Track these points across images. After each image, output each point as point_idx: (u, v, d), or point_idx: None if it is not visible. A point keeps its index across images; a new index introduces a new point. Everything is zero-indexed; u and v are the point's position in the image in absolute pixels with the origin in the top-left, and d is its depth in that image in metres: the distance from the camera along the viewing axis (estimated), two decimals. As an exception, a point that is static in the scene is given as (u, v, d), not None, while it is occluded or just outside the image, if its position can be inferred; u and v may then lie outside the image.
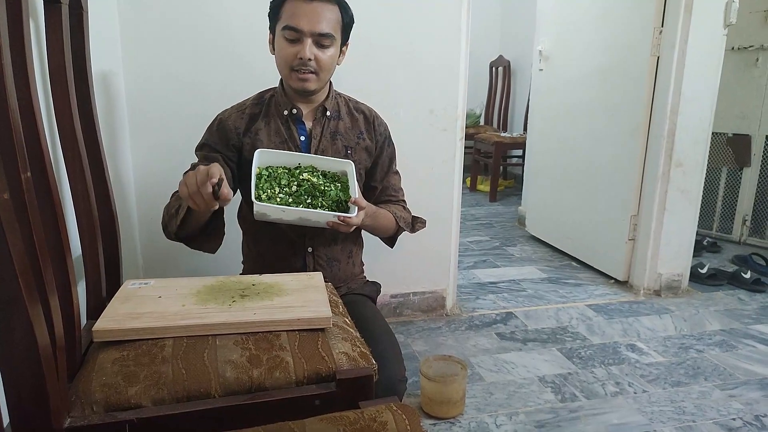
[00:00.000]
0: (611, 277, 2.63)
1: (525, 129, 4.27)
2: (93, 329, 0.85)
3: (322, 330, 0.94)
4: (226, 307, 0.94)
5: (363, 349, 0.93)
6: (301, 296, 1.01)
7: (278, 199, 1.18)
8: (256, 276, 1.09)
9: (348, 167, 1.25)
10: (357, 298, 1.36)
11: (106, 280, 1.04)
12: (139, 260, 1.81)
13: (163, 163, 1.76)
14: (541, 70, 3.13)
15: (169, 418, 0.77)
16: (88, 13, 1.02)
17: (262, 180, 1.20)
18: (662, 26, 2.28)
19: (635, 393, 1.69)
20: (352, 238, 1.40)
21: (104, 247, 1.03)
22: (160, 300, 0.95)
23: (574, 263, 2.87)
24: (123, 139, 1.69)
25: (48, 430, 0.67)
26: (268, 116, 1.32)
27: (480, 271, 2.76)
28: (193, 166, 1.27)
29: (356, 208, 1.17)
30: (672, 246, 2.44)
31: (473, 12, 2.01)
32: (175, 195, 1.24)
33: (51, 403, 0.66)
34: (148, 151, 1.76)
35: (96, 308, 1.00)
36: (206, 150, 1.31)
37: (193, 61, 1.75)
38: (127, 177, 1.71)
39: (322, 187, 1.21)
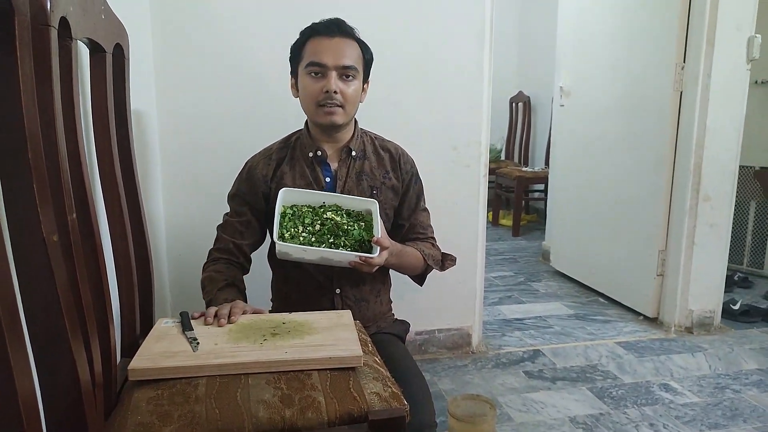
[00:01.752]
0: (640, 314, 2.57)
1: (546, 163, 4.27)
2: (129, 368, 0.86)
3: (353, 369, 0.94)
4: (258, 346, 0.95)
5: (394, 390, 0.93)
6: (331, 335, 1.01)
7: (301, 238, 1.19)
8: (285, 314, 1.10)
9: (372, 206, 1.25)
10: (386, 337, 1.34)
11: (140, 318, 1.06)
12: (168, 297, 1.83)
13: (193, 199, 1.80)
14: (562, 105, 3.15)
15: (202, 458, 0.77)
16: (129, 60, 1.07)
17: (286, 219, 1.21)
18: (684, 62, 2.29)
19: (671, 435, 1.64)
20: (380, 278, 1.40)
21: (139, 286, 1.05)
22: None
23: (601, 299, 2.83)
24: (155, 177, 1.74)
25: (86, 469, 0.68)
26: (293, 159, 1.34)
27: (505, 307, 2.72)
28: (225, 220, 1.35)
29: (378, 248, 1.17)
30: (702, 281, 2.39)
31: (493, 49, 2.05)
32: (205, 272, 1.29)
33: (90, 441, 0.67)
34: (179, 188, 1.81)
35: (130, 346, 1.01)
36: (237, 201, 1.34)
37: (223, 100, 1.80)
38: (157, 214, 1.75)
39: (345, 227, 1.22)
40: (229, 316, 1.05)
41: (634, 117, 2.56)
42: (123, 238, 0.99)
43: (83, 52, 0.99)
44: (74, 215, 0.71)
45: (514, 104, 5.06)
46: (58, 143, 0.68)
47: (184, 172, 1.81)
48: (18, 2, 0.56)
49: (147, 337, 0.97)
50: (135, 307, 1.03)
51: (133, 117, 1.47)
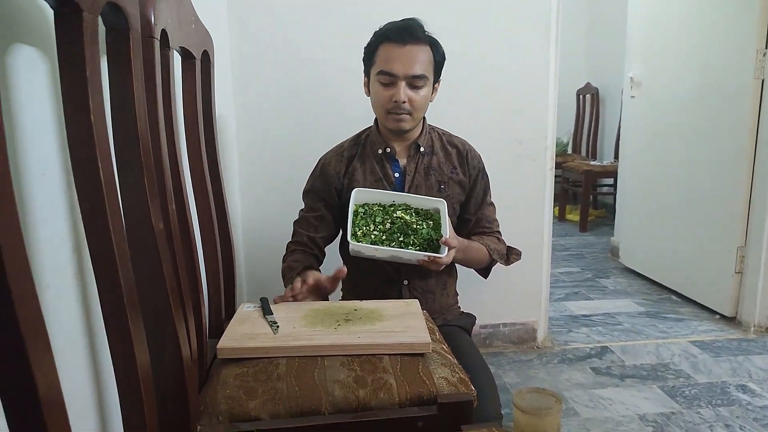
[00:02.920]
0: (716, 312, 2.47)
1: (615, 157, 4.14)
2: (218, 347, 0.94)
3: (422, 355, 0.98)
4: (332, 330, 1.01)
5: (462, 375, 0.96)
6: (401, 322, 1.05)
7: (372, 236, 1.25)
8: (357, 302, 1.16)
9: (441, 205, 1.28)
10: (453, 329, 1.38)
11: (225, 302, 1.15)
12: (243, 286, 1.94)
13: (267, 196, 1.91)
14: (633, 96, 3.05)
15: (284, 431, 0.84)
16: (214, 65, 1.16)
17: (359, 217, 1.27)
18: (766, 48, 2.17)
19: (749, 437, 1.58)
20: (447, 270, 1.43)
21: (223, 272, 1.14)
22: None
23: (674, 297, 2.73)
24: (233, 175, 1.85)
25: (185, 434, 0.75)
26: (363, 156, 1.40)
27: (572, 303, 2.68)
28: (300, 216, 1.43)
29: (446, 248, 1.21)
30: (786, 280, 2.27)
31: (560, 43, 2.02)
32: (285, 263, 1.38)
33: (190, 410, 0.74)
34: (255, 186, 1.92)
35: (216, 328, 1.10)
36: (312, 198, 1.42)
37: (294, 103, 1.90)
38: (235, 209, 1.86)
39: (414, 226, 1.26)
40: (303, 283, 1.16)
41: (711, 107, 2.46)
42: (210, 229, 1.08)
43: (176, 59, 1.09)
44: (173, 206, 0.79)
45: (581, 96, 4.93)
46: (161, 142, 0.76)
47: (258, 171, 1.92)
48: (132, 19, 0.64)
49: (232, 320, 1.05)
50: (220, 292, 1.12)
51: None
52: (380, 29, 1.31)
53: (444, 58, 1.36)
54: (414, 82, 1.27)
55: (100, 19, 0.59)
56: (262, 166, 1.92)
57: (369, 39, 1.33)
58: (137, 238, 0.66)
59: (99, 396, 0.75)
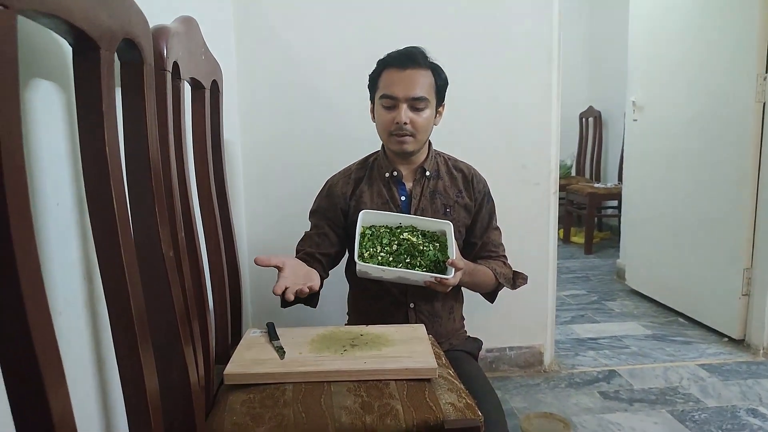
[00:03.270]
0: (724, 335, 2.45)
1: (619, 179, 4.15)
2: (225, 373, 0.95)
3: (429, 380, 0.98)
4: (339, 355, 1.01)
5: (468, 401, 0.96)
6: (407, 347, 1.06)
7: (380, 258, 1.26)
8: (363, 327, 1.16)
9: (447, 227, 1.30)
10: (459, 354, 1.38)
11: (231, 328, 1.15)
12: (249, 309, 1.95)
13: (272, 218, 1.92)
14: (635, 120, 3.07)
15: (291, 457, 0.84)
16: (223, 94, 1.19)
17: (366, 239, 1.28)
18: (766, 72, 2.19)
19: (761, 463, 1.55)
20: (453, 294, 1.43)
21: (230, 298, 1.15)
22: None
23: (681, 319, 2.71)
24: (238, 198, 1.87)
25: (193, 461, 0.76)
26: (371, 179, 1.42)
27: (578, 326, 2.67)
28: (305, 234, 1.43)
29: (453, 269, 1.22)
30: (794, 302, 2.25)
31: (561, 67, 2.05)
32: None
33: (197, 436, 0.75)
34: (259, 208, 1.94)
35: (223, 353, 1.10)
36: (317, 217, 1.43)
37: (299, 128, 1.92)
38: (240, 232, 1.88)
39: (421, 247, 1.27)
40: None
41: (713, 130, 2.47)
42: (218, 255, 1.09)
43: (186, 89, 1.11)
44: (182, 234, 0.80)
45: (584, 119, 4.97)
46: (171, 171, 0.77)
47: (263, 194, 1.94)
48: (146, 54, 0.66)
49: (238, 346, 1.06)
50: (227, 318, 1.12)
51: (222, 144, 1.61)
52: (383, 57, 1.35)
53: (446, 83, 1.39)
54: (415, 104, 1.30)
55: (115, 54, 0.62)
56: (267, 190, 1.94)
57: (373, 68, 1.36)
58: (148, 266, 0.67)
59: (108, 422, 0.75)
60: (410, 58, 1.31)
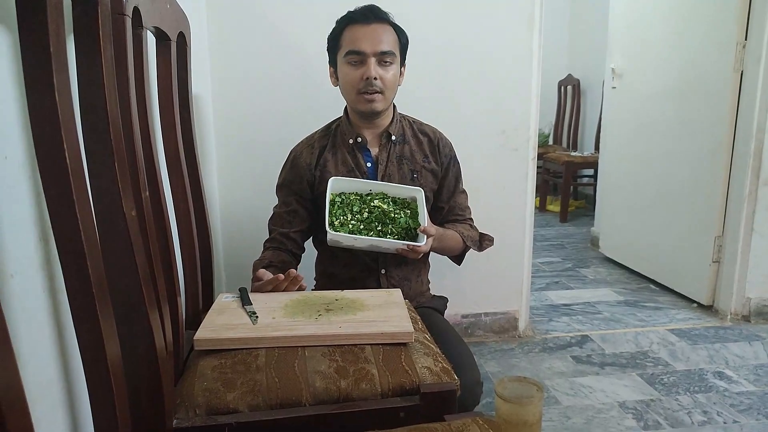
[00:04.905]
0: (694, 301, 2.50)
1: (596, 148, 4.17)
2: (195, 338, 0.92)
3: (405, 345, 0.97)
4: (313, 320, 0.99)
5: (445, 365, 0.95)
6: (383, 312, 1.04)
7: (350, 226, 1.23)
8: (338, 292, 1.14)
9: (418, 194, 1.28)
10: (426, 311, 1.38)
11: (202, 293, 1.12)
12: (222, 274, 1.91)
13: (245, 181, 1.87)
14: (614, 87, 3.06)
15: (263, 423, 0.82)
16: (191, 47, 1.12)
17: (335, 207, 1.25)
18: (746, 40, 2.19)
19: (725, 423, 1.60)
20: (422, 259, 1.43)
21: (201, 262, 1.11)
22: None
23: (652, 286, 2.76)
24: (210, 159, 1.81)
25: (161, 429, 0.73)
26: (334, 146, 1.38)
27: (552, 292, 2.70)
28: (273, 212, 1.39)
29: (424, 236, 1.21)
30: (761, 269, 2.30)
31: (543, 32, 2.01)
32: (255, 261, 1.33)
33: (165, 404, 0.72)
34: (232, 169, 1.88)
35: (193, 319, 1.07)
36: (284, 192, 1.39)
37: (273, 86, 1.85)
38: (212, 194, 1.82)
39: (392, 215, 1.25)
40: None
41: (690, 99, 2.47)
42: (186, 216, 1.05)
43: (150, 40, 1.04)
44: (147, 193, 0.76)
45: (562, 87, 4.95)
46: (133, 125, 0.72)
47: (237, 153, 1.88)
48: (100, -7, 0.60)
49: (209, 311, 1.02)
50: (197, 281, 1.09)
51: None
52: (342, 16, 1.31)
53: (408, 42, 1.35)
54: (383, 58, 1.26)
55: (65, -8, 0.56)
56: (240, 148, 1.87)
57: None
58: (108, 226, 0.63)
59: (69, 391, 0.72)
60: (374, 13, 1.27)
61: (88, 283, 0.56)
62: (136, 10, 0.75)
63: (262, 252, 1.36)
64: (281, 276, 1.10)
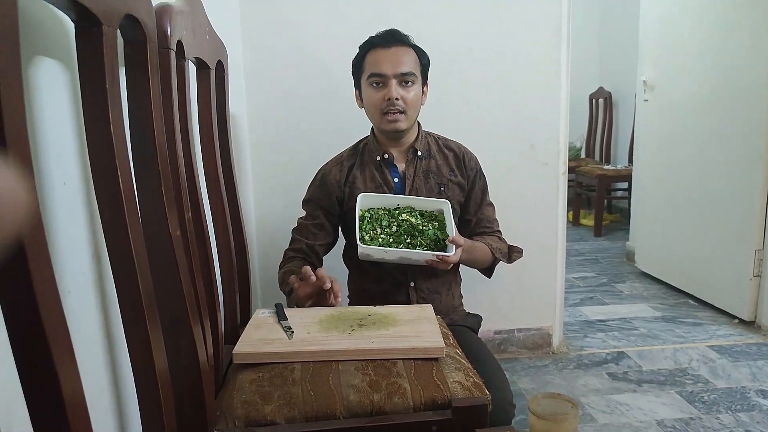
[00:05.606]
0: (735, 317, 2.44)
1: (629, 161, 4.11)
2: (234, 352, 0.95)
3: (436, 359, 0.98)
4: (347, 335, 1.02)
5: (476, 380, 0.96)
6: (415, 327, 1.06)
7: (380, 240, 1.26)
8: (371, 307, 1.16)
9: (445, 206, 1.31)
10: (459, 329, 1.39)
11: (240, 308, 1.16)
12: (258, 290, 1.96)
13: (281, 198, 1.93)
14: (646, 100, 3.03)
15: (300, 435, 0.84)
16: (228, 75, 1.18)
17: (365, 222, 1.29)
18: (782, 49, 2.15)
19: (770, 443, 1.55)
20: (452, 272, 1.45)
21: (239, 278, 1.15)
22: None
23: (691, 301, 2.70)
24: (246, 179, 1.87)
25: (203, 439, 0.76)
26: (363, 164, 1.42)
27: (587, 308, 2.66)
28: (299, 223, 1.43)
29: (453, 246, 1.23)
30: (806, 283, 2.23)
31: (571, 45, 2.02)
32: (283, 269, 1.37)
33: (207, 415, 0.75)
34: (268, 189, 1.94)
35: (232, 333, 1.11)
36: (311, 206, 1.44)
37: (305, 107, 1.91)
38: (248, 211, 1.88)
39: (421, 227, 1.28)
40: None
41: (726, 110, 2.43)
42: (225, 235, 1.09)
43: (191, 69, 1.10)
44: (190, 214, 0.80)
45: (594, 100, 4.91)
46: (177, 151, 0.77)
47: (272, 175, 1.94)
48: (150, 31, 0.65)
49: (247, 326, 1.06)
50: (235, 298, 1.13)
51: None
52: (365, 41, 1.37)
53: (429, 63, 1.40)
54: (404, 78, 1.31)
55: (118, 31, 0.61)
56: (274, 168, 1.94)
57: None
58: (155, 246, 0.67)
59: (118, 400, 0.76)
60: (394, 36, 1.33)
61: (138, 298, 0.60)
62: (179, 44, 0.80)
63: (288, 260, 1.39)
64: (327, 282, 1.14)
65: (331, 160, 1.48)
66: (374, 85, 1.32)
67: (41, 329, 0.43)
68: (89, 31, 0.55)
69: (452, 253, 1.22)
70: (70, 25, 0.57)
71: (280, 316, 1.09)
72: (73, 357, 0.46)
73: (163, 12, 0.74)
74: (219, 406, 0.88)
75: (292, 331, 1.02)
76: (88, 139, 0.58)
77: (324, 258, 1.46)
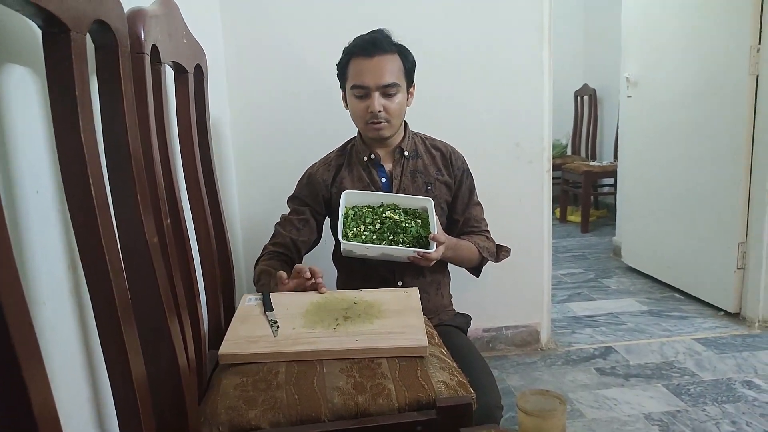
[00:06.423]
0: (720, 309, 2.46)
1: (615, 157, 4.15)
2: (219, 353, 0.96)
3: (421, 358, 0.98)
4: (332, 331, 1.02)
5: (461, 379, 0.96)
6: (400, 320, 1.06)
7: (363, 237, 1.27)
8: (357, 291, 1.18)
9: (428, 204, 1.32)
10: (448, 329, 1.39)
11: (224, 312, 1.15)
12: (244, 282, 1.95)
13: (265, 201, 1.92)
14: (630, 96, 3.06)
15: (284, 439, 0.84)
16: (207, 77, 1.17)
17: (349, 219, 1.30)
18: (759, 44, 2.18)
19: (755, 433, 1.57)
20: (440, 271, 1.45)
21: (221, 282, 1.15)
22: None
23: (677, 295, 2.72)
24: (231, 181, 1.86)
25: (186, 446, 0.76)
26: (350, 165, 1.43)
27: (575, 304, 2.68)
28: (283, 218, 1.43)
29: (435, 243, 1.23)
30: (789, 274, 2.26)
31: (556, 43, 2.03)
32: (259, 266, 1.36)
33: (189, 422, 0.75)
34: (253, 191, 1.93)
35: (216, 338, 1.10)
36: (297, 202, 1.44)
37: (289, 108, 1.91)
38: (233, 213, 1.87)
39: (403, 224, 1.29)
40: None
41: (707, 104, 2.46)
42: (207, 238, 1.09)
43: (168, 73, 1.10)
44: (168, 220, 0.80)
45: (579, 97, 4.94)
46: (154, 157, 0.77)
47: (256, 178, 1.93)
48: (121, 36, 0.65)
49: (233, 318, 1.07)
50: (219, 301, 1.12)
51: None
52: (348, 45, 1.35)
53: (414, 63, 1.38)
54: (387, 90, 1.30)
55: (88, 37, 0.60)
56: (258, 171, 1.93)
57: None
58: (131, 253, 0.66)
59: (98, 411, 0.75)
60: (376, 45, 1.30)
61: (113, 306, 0.60)
62: (154, 48, 0.80)
63: (267, 256, 1.38)
64: (307, 273, 1.16)
65: (319, 160, 1.48)
66: (357, 96, 1.32)
67: (9, 341, 0.42)
68: (57, 37, 0.55)
69: (433, 250, 1.22)
70: (39, 32, 0.56)
71: (267, 307, 1.08)
72: (43, 367, 0.46)
73: (136, 16, 0.73)
74: (203, 411, 0.88)
75: (278, 326, 1.02)
76: (58, 147, 0.57)
77: (314, 260, 1.45)
